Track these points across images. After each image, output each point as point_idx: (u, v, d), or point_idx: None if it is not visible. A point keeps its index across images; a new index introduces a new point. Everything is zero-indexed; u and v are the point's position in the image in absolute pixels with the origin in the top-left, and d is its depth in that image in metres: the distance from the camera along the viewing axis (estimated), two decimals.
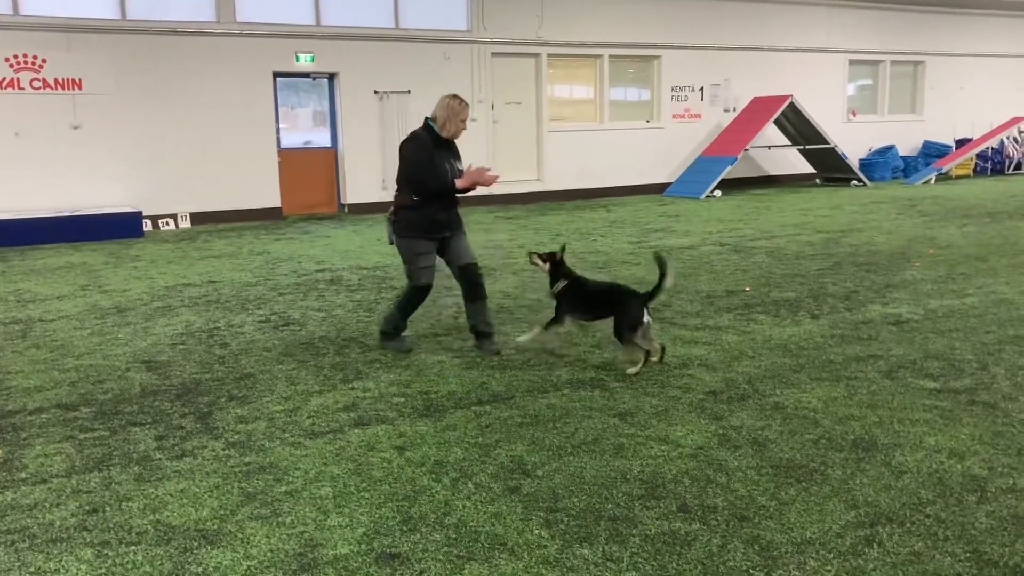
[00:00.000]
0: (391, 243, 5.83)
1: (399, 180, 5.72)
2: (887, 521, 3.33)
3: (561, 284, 5.57)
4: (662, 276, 5.23)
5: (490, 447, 4.14)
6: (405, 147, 5.66)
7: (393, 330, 5.96)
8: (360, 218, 14.06)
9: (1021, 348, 5.64)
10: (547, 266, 5.64)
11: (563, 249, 5.69)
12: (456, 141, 5.83)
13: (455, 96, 5.70)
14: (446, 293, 7.53)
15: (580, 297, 5.55)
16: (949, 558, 3.05)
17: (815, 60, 19.10)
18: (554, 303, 5.64)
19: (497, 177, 5.68)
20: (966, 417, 4.41)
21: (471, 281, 5.82)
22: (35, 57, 12.26)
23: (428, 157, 5.57)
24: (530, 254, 5.84)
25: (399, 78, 14.75)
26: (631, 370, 5.25)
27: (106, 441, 4.33)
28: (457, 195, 5.73)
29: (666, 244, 10.41)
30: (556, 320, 5.60)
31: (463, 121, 5.72)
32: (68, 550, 3.24)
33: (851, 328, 6.23)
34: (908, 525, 3.29)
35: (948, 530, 3.25)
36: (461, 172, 5.73)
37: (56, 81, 12.42)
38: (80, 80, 12.56)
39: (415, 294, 5.83)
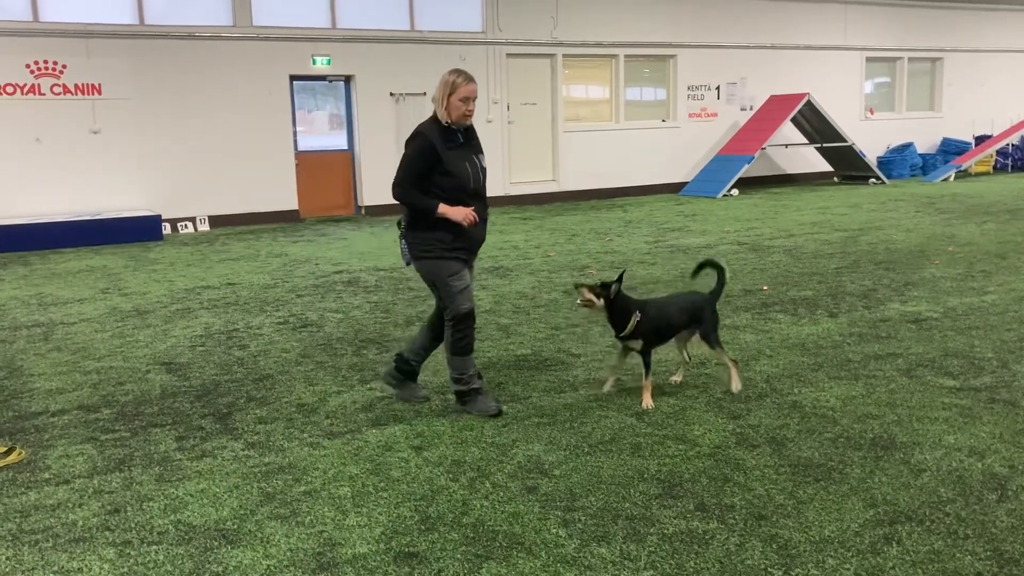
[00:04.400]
0: (407, 264, 4.62)
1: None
2: (906, 520, 3.31)
3: (635, 320, 4.63)
4: (720, 277, 5.03)
5: (507, 447, 4.15)
6: (407, 146, 4.47)
7: (466, 383, 4.62)
8: (377, 220, 14.11)
9: None
10: (601, 303, 4.61)
11: (620, 278, 4.68)
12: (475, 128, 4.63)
13: (456, 70, 4.41)
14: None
15: (659, 321, 4.74)
16: (969, 557, 3.04)
17: (832, 57, 18.99)
18: (628, 343, 4.74)
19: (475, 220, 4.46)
20: (986, 415, 4.38)
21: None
22: (55, 63, 12.38)
23: (424, 164, 4.35)
24: (577, 287, 4.72)
25: (415, 80, 14.78)
26: (735, 386, 4.82)
27: (127, 442, 4.38)
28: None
29: (683, 243, 10.39)
30: (648, 358, 4.73)
31: (464, 100, 4.35)
32: (91, 549, 3.28)
33: (870, 326, 6.20)
34: (927, 524, 3.27)
35: (968, 528, 3.23)
36: (484, 170, 4.56)
37: (76, 86, 12.55)
38: (99, 85, 12.69)
39: (460, 325, 4.50)
